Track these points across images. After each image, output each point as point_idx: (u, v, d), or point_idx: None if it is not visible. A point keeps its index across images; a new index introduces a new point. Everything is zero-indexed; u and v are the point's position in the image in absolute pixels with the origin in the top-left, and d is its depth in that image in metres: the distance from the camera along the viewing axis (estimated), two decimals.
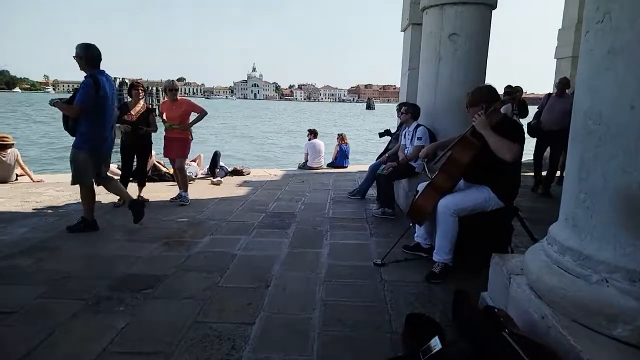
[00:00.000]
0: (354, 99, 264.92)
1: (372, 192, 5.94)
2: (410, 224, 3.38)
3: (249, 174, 7.89)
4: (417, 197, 3.24)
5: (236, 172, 7.73)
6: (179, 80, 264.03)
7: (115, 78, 25.37)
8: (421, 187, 3.38)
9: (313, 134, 9.11)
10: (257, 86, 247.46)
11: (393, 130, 6.03)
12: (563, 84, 6.16)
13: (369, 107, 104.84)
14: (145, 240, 3.94)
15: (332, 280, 3.10)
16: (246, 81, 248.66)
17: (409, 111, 4.93)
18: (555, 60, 10.78)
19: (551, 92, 6.69)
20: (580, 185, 1.74)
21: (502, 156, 2.85)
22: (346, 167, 9.00)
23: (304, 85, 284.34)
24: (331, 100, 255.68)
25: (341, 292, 2.90)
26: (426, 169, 3.32)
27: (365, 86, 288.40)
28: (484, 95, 3.10)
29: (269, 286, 2.97)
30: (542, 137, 6.33)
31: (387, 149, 5.81)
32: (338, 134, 9.36)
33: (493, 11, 4.94)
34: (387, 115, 73.82)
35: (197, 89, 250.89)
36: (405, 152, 4.98)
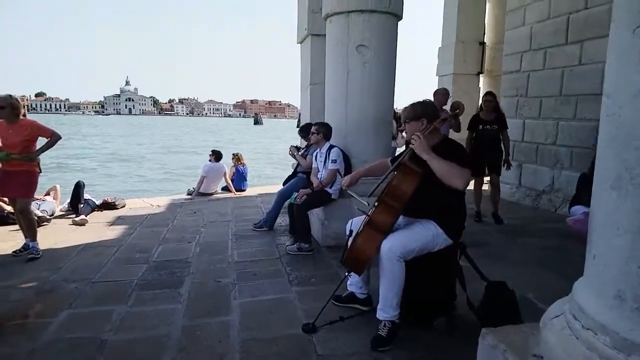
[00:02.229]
0: (240, 113, 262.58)
1: (280, 221, 5.16)
2: (347, 274, 2.67)
3: (123, 206, 6.49)
4: (353, 240, 2.55)
5: (107, 206, 6.28)
6: (37, 95, 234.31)
7: None
8: (354, 225, 2.71)
9: (216, 156, 7.99)
10: (132, 100, 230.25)
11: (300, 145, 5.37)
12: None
13: (257, 122, 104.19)
14: None
15: None
16: (119, 95, 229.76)
17: (321, 131, 4.28)
18: (437, 77, 11.30)
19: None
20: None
21: (451, 184, 2.33)
22: (245, 190, 8.08)
23: (185, 99, 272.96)
24: (217, 116, 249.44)
25: None
26: (356, 196, 2.66)
27: (252, 101, 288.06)
28: (426, 109, 2.57)
29: None
30: None
31: (295, 172, 5.10)
32: (233, 154, 8.39)
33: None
34: (276, 130, 73.86)
35: (60, 105, 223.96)
36: (319, 176, 4.31)
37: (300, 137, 5.14)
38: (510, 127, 7.19)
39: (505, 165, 5.44)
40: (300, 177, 4.98)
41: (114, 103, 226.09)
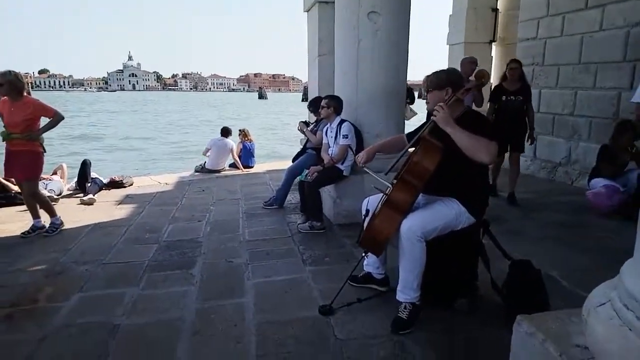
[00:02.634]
0: (244, 88, 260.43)
1: (290, 198, 5.06)
2: (364, 254, 2.57)
3: (131, 184, 6.42)
4: (370, 220, 2.44)
5: (114, 185, 6.21)
6: (41, 72, 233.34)
7: None
8: (371, 205, 2.59)
9: (224, 131, 7.87)
10: (136, 76, 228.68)
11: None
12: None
13: (261, 96, 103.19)
14: None
15: (269, 355, 2.16)
16: (122, 71, 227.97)
17: (331, 104, 4.12)
18: (448, 46, 10.92)
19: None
20: None
21: (478, 159, 2.19)
22: (252, 166, 7.97)
23: (189, 74, 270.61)
24: (221, 90, 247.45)
25: None
26: (373, 174, 2.53)
27: (255, 75, 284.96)
28: (451, 77, 2.41)
29: None
30: None
31: (305, 148, 4.96)
32: (240, 130, 8.24)
33: None
34: (281, 104, 73.09)
35: (64, 81, 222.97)
36: (330, 152, 4.18)
37: (309, 112, 4.97)
38: None
39: (529, 140, 5.05)
40: (309, 153, 4.84)
41: (117, 79, 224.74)
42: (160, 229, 4.26)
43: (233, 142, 7.88)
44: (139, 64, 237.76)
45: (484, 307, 2.53)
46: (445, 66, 7.45)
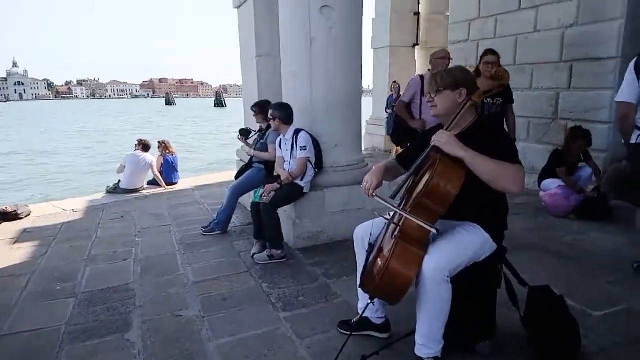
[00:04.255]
0: (148, 94, 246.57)
1: (234, 219, 4.37)
2: (370, 302, 2.03)
3: (28, 215, 5.22)
4: (379, 259, 1.93)
5: (6, 217, 4.98)
6: None
7: None
8: (371, 235, 2.08)
9: (142, 146, 6.80)
10: (22, 84, 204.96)
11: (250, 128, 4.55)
12: None
13: (169, 102, 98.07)
14: None
15: None
16: (5, 79, 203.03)
17: (276, 116, 3.53)
18: (372, 50, 10.86)
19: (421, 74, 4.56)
20: None
21: (502, 189, 1.81)
22: (176, 183, 7.04)
23: (84, 81, 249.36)
24: (123, 97, 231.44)
25: None
26: (388, 202, 1.98)
27: (160, 80, 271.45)
28: (467, 76, 1.98)
29: None
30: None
31: (251, 162, 4.29)
32: (159, 142, 7.24)
33: None
34: (192, 110, 69.75)
35: None
36: (286, 167, 3.60)
37: (253, 114, 4.30)
38: None
39: None
40: (257, 168, 4.21)
41: (1, 88, 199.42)
42: (74, 275, 3.35)
43: (152, 156, 6.89)
44: (25, 71, 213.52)
45: (506, 347, 2.15)
46: (371, 71, 7.04)
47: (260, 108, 4.17)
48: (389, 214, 2.06)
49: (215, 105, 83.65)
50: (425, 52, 10.29)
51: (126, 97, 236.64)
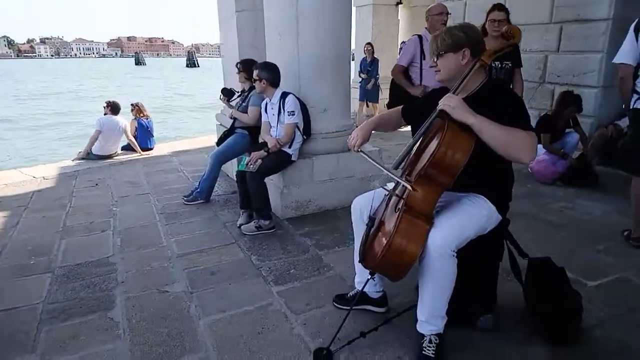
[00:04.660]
0: (116, 53, 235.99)
1: (216, 188, 4.20)
2: (371, 277, 1.94)
3: None
4: (377, 232, 1.82)
5: None
6: None
7: None
8: (371, 208, 1.98)
9: (111, 107, 6.39)
10: None
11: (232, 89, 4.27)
12: None
13: (139, 62, 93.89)
14: None
15: None
16: None
17: (263, 77, 3.28)
18: (355, 8, 10.43)
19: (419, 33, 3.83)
20: None
21: (514, 158, 1.71)
22: (152, 148, 6.73)
23: (48, 39, 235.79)
24: (90, 56, 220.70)
25: None
26: (376, 162, 1.87)
27: (129, 39, 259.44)
28: (470, 33, 1.82)
29: None
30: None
31: (233, 128, 4.07)
32: (132, 105, 6.85)
33: None
34: (163, 70, 66.99)
35: None
36: (273, 134, 3.42)
37: (238, 73, 4.02)
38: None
39: None
40: (240, 134, 4.00)
41: None
42: (49, 247, 3.15)
43: (126, 120, 6.54)
44: None
45: (506, 320, 2.12)
46: (353, 32, 6.78)
47: (245, 66, 3.89)
48: (387, 187, 1.95)
49: (187, 66, 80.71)
50: (409, 10, 9.97)
51: (93, 56, 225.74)
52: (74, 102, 23.64)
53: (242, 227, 3.30)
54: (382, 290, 2.20)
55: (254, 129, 3.95)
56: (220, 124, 5.26)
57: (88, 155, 6.15)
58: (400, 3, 9.94)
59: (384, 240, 1.71)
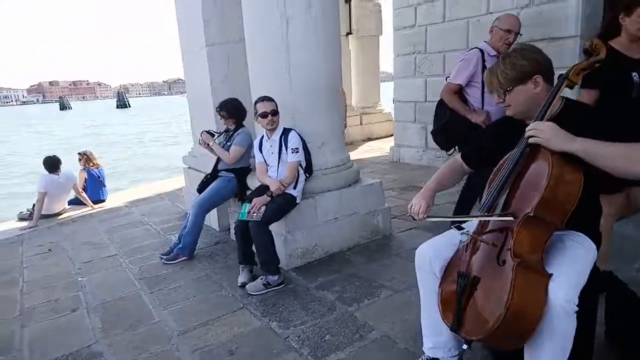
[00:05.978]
0: (38, 99, 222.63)
1: (200, 243, 3.68)
2: (467, 346, 1.58)
3: None
4: (499, 295, 1.46)
5: None
6: None
7: None
8: (443, 258, 1.65)
9: (50, 164, 5.50)
10: None
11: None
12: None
13: (64, 107, 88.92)
14: None
15: None
16: None
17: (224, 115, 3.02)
18: None
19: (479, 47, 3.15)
20: None
21: (632, 175, 1.45)
22: (104, 200, 6.01)
23: None
24: (10, 104, 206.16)
25: None
26: (451, 217, 1.57)
27: (51, 83, 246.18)
28: (535, 57, 1.60)
29: None
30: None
31: (215, 172, 3.61)
32: (80, 154, 6.11)
33: None
34: (86, 113, 63.54)
35: None
36: (272, 175, 3.02)
37: (221, 118, 3.62)
38: (409, 87, 6.85)
39: None
40: (225, 177, 3.56)
41: None
42: (8, 341, 2.49)
43: (73, 172, 5.80)
44: None
45: None
46: None
47: (230, 110, 3.52)
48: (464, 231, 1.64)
49: (117, 107, 77.62)
50: (358, 40, 10.07)
51: (13, 103, 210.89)
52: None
53: (246, 286, 2.83)
54: (457, 354, 1.84)
55: (239, 171, 3.55)
56: (189, 167, 4.77)
57: (31, 216, 5.33)
58: (350, 33, 10.02)
59: (496, 303, 1.38)
